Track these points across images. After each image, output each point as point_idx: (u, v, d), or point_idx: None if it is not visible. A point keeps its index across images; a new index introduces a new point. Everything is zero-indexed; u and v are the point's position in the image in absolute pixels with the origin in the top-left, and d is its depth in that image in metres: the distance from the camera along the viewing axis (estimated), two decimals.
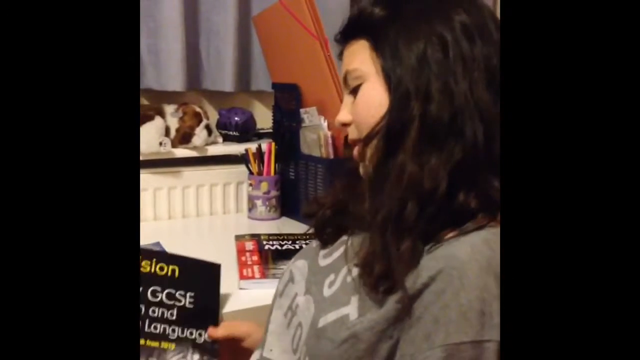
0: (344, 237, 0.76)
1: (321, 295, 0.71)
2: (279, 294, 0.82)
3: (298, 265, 0.81)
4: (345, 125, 0.75)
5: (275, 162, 1.57)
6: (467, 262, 0.59)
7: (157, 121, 1.49)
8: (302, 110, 1.49)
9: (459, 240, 0.61)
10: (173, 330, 0.90)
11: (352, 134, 0.74)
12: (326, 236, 0.80)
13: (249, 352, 0.85)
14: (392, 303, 0.62)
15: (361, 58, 0.71)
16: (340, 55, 0.77)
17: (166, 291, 0.92)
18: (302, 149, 1.53)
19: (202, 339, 0.91)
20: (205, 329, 0.92)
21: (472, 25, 0.67)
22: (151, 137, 1.46)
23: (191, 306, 0.92)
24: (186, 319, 0.91)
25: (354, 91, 0.73)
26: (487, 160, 0.64)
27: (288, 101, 1.56)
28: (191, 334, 0.91)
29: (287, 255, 1.23)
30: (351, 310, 0.65)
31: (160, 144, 1.48)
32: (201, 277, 0.95)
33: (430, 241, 0.63)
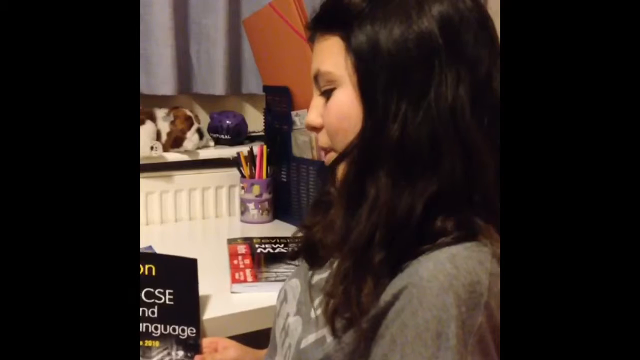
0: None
1: (309, 316, 0.70)
2: (276, 314, 0.81)
3: (292, 285, 0.79)
4: (315, 129, 0.69)
5: (267, 165, 1.57)
6: (427, 280, 0.56)
7: (148, 125, 1.48)
8: (293, 113, 1.49)
9: (427, 257, 0.58)
10: (156, 328, 0.90)
11: (322, 140, 0.69)
12: (315, 257, 0.76)
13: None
14: (362, 324, 0.60)
15: (334, 60, 0.64)
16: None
17: (145, 290, 0.93)
18: (294, 151, 1.53)
19: (185, 335, 0.91)
20: (187, 325, 0.92)
21: (457, 22, 0.61)
22: (142, 142, 1.46)
23: (171, 303, 0.93)
24: (168, 315, 0.92)
25: (326, 93, 0.66)
26: (466, 191, 0.60)
27: (279, 104, 1.56)
28: (174, 330, 0.91)
29: (279, 258, 1.23)
30: (328, 330, 0.64)
31: (152, 148, 1.47)
32: (178, 273, 0.96)
33: (404, 259, 0.60)
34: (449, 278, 0.56)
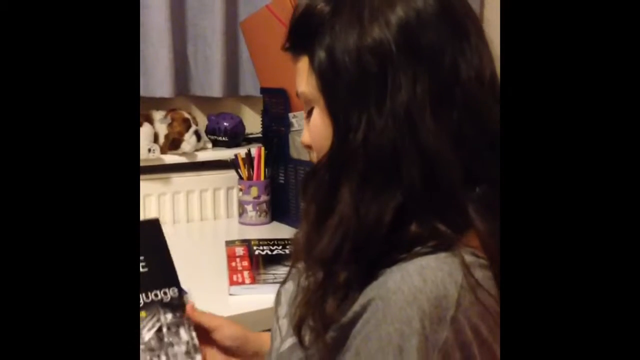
0: None
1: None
2: (274, 317, 0.80)
3: (286, 287, 0.78)
4: (309, 147, 0.70)
5: (265, 166, 1.57)
6: (392, 292, 0.56)
7: (146, 128, 1.48)
8: (290, 115, 1.49)
9: (399, 267, 0.57)
10: None
11: (314, 157, 0.69)
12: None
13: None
14: (330, 335, 0.60)
15: (305, 80, 0.65)
16: None
17: None
18: (292, 153, 1.53)
19: (169, 297, 0.89)
20: (168, 286, 0.90)
21: (413, 23, 0.60)
22: (140, 144, 1.46)
23: (146, 269, 0.90)
24: (145, 283, 0.89)
25: (309, 113, 0.67)
26: (430, 196, 0.59)
27: (277, 105, 1.56)
28: (156, 295, 0.89)
29: (277, 260, 1.23)
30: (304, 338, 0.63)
31: (149, 150, 1.47)
32: (144, 238, 0.93)
33: (380, 267, 0.59)
34: (414, 291, 0.55)
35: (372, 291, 0.58)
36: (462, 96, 0.60)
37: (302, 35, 0.65)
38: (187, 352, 0.86)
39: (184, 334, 0.86)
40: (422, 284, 0.55)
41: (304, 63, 0.65)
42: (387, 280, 0.57)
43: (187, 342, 0.86)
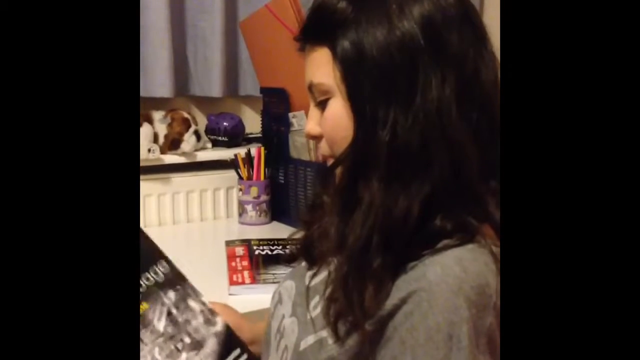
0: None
1: (305, 317, 0.70)
2: (270, 316, 0.80)
3: (286, 286, 0.79)
4: (315, 138, 0.70)
5: (265, 166, 1.57)
6: (436, 284, 0.57)
7: (146, 128, 1.49)
8: (290, 115, 1.49)
9: (432, 260, 0.59)
10: None
11: (323, 148, 0.70)
12: (312, 257, 0.75)
13: None
14: (366, 327, 0.60)
15: (325, 70, 0.65)
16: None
17: None
18: (291, 153, 1.53)
19: (161, 275, 0.83)
20: (156, 264, 0.83)
21: (439, 21, 0.62)
22: (140, 144, 1.46)
23: None
24: None
25: (321, 104, 0.67)
26: (457, 188, 0.61)
27: (276, 105, 1.56)
28: (148, 279, 0.83)
29: (277, 260, 1.23)
30: (330, 333, 0.64)
31: (149, 150, 1.47)
32: None
33: (406, 261, 0.60)
34: (458, 281, 0.57)
35: (410, 284, 0.59)
36: (480, 98, 0.62)
37: (321, 26, 0.66)
38: (207, 320, 0.82)
39: (194, 304, 0.83)
40: (463, 274, 0.57)
41: (320, 54, 0.66)
42: (426, 273, 0.58)
43: (202, 311, 0.82)
